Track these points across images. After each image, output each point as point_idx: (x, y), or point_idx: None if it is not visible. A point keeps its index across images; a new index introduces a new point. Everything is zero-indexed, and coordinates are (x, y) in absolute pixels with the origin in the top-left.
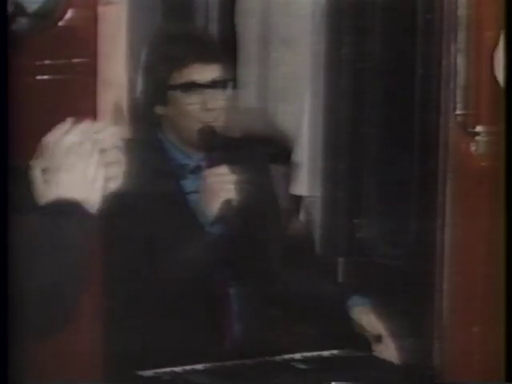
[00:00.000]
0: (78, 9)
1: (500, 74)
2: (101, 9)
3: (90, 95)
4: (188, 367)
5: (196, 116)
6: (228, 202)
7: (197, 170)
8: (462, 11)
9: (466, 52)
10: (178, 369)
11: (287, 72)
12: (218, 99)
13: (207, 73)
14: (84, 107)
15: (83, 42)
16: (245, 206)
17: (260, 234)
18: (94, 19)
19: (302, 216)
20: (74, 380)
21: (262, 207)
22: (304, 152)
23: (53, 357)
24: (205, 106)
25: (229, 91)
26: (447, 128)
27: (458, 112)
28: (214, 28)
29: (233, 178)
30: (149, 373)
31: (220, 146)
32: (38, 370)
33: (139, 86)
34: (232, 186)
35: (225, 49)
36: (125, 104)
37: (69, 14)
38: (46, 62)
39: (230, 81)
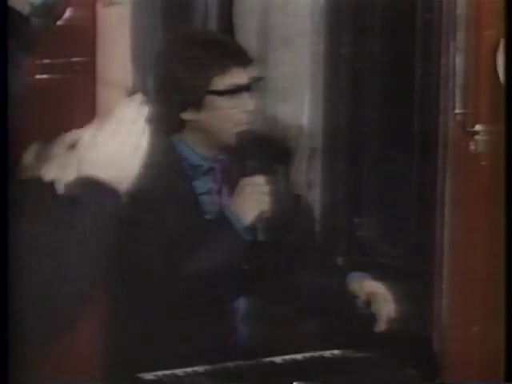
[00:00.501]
0: (77, 8)
1: (501, 73)
2: (102, 9)
3: (89, 94)
4: (189, 369)
5: (235, 119)
6: (262, 214)
7: (210, 171)
8: (461, 11)
9: (465, 51)
10: (179, 371)
11: (286, 72)
12: (253, 102)
13: (246, 75)
14: (83, 106)
15: (82, 40)
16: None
17: (289, 242)
18: (93, 18)
19: (300, 215)
20: (74, 381)
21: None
22: (303, 151)
23: (53, 358)
24: (244, 109)
25: (258, 93)
26: (446, 127)
27: (457, 111)
28: (212, 27)
29: (268, 188)
30: (149, 375)
31: (253, 149)
32: (37, 371)
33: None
34: (267, 198)
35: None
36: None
37: (68, 13)
38: (45, 61)
39: (260, 80)
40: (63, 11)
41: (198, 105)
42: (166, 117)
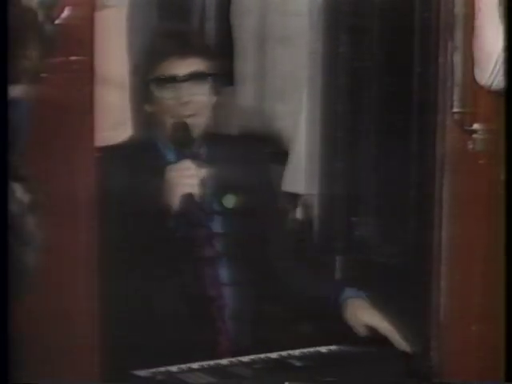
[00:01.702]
0: (75, 7)
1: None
2: (97, 12)
3: (87, 93)
4: (183, 366)
5: (172, 111)
6: (188, 197)
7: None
8: (458, 10)
9: (463, 50)
10: (173, 368)
11: (284, 71)
12: (194, 93)
13: (184, 67)
14: (81, 105)
15: (80, 40)
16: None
17: (255, 232)
18: (91, 17)
19: (299, 214)
20: (71, 379)
21: (256, 205)
22: (302, 150)
23: (52, 356)
24: (179, 101)
25: (209, 86)
26: (444, 126)
27: (455, 110)
28: (211, 27)
29: (195, 172)
30: (144, 372)
31: (194, 144)
32: (37, 371)
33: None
34: (192, 180)
35: (213, 44)
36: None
37: (66, 13)
38: (44, 60)
39: (210, 75)
40: (61, 11)
41: (149, 95)
42: (136, 108)
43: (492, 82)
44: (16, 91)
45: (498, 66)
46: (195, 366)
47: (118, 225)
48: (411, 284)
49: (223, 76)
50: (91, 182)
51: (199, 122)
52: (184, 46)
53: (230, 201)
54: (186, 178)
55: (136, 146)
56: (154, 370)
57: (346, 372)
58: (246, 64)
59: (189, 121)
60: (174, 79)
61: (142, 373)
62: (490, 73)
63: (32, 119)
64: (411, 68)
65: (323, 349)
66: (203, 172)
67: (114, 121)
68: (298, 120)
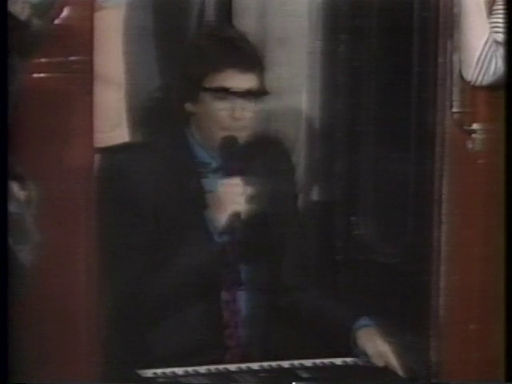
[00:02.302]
0: (74, 7)
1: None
2: (96, 13)
3: (87, 92)
4: (190, 369)
5: (222, 123)
6: (236, 215)
7: (219, 170)
8: (457, 9)
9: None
10: (179, 370)
11: (284, 71)
12: (247, 110)
13: (241, 81)
14: (81, 104)
15: (80, 39)
16: (261, 214)
17: (275, 241)
18: (91, 17)
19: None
20: (71, 379)
21: (280, 217)
22: (301, 150)
23: (52, 356)
24: (232, 115)
25: (260, 103)
26: (444, 126)
27: (454, 110)
28: (210, 28)
29: (244, 189)
30: (148, 373)
31: (240, 155)
32: (37, 370)
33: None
34: (242, 199)
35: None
36: (123, 103)
37: (65, 12)
38: (43, 59)
39: (264, 93)
40: (60, 10)
41: (195, 98)
42: (174, 105)
43: (477, 78)
44: (15, 91)
45: (482, 62)
46: (202, 369)
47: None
48: (410, 283)
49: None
50: (91, 181)
51: (246, 137)
52: (245, 60)
53: None
54: (237, 196)
55: (167, 143)
56: (158, 370)
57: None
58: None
59: (237, 135)
60: (230, 92)
61: (146, 373)
62: (474, 68)
63: (31, 118)
64: (410, 68)
65: (338, 361)
66: (249, 190)
67: (111, 122)
68: (298, 120)
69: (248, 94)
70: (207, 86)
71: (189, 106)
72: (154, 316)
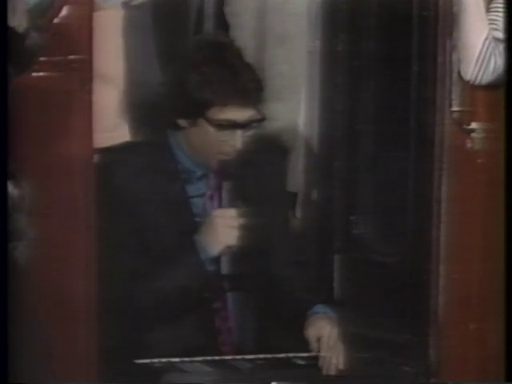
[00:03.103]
0: (73, 6)
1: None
2: (95, 14)
3: (86, 92)
4: (186, 358)
5: (219, 149)
6: (230, 248)
7: (203, 177)
8: (457, 8)
9: None
10: (175, 359)
11: (283, 70)
12: (243, 137)
13: (244, 114)
14: (80, 104)
15: (79, 38)
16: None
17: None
18: (90, 16)
19: (298, 213)
20: (71, 379)
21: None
22: (300, 149)
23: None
24: (232, 144)
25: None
26: (443, 125)
27: (453, 109)
28: (209, 27)
29: (239, 222)
30: (145, 361)
31: (233, 172)
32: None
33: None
34: (236, 232)
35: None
36: (124, 104)
37: (64, 11)
38: (42, 58)
39: (262, 121)
40: (59, 10)
41: (192, 121)
42: (166, 115)
43: (476, 77)
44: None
45: (481, 60)
46: (198, 359)
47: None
48: (410, 283)
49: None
50: (89, 183)
51: (240, 157)
52: (248, 93)
53: None
54: (232, 229)
55: (151, 144)
56: (155, 359)
57: (348, 376)
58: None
59: (233, 157)
60: (232, 125)
61: (144, 362)
62: (473, 67)
63: (31, 118)
64: (410, 67)
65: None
66: (243, 221)
67: (111, 122)
68: (297, 119)
69: (249, 125)
70: (211, 117)
71: (182, 122)
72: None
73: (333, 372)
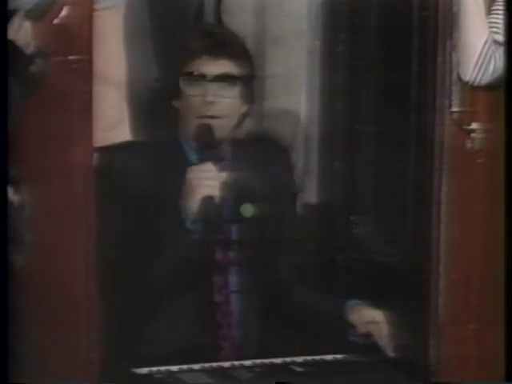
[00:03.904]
0: (74, 6)
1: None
2: (96, 13)
3: (86, 92)
4: (185, 366)
5: (196, 109)
6: (208, 199)
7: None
8: (457, 9)
9: None
10: (173, 368)
11: (283, 70)
12: (220, 95)
13: (214, 67)
14: (80, 104)
15: (79, 39)
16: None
17: (269, 241)
18: (90, 16)
19: (297, 213)
20: (71, 379)
21: (274, 214)
22: (300, 150)
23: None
24: (204, 99)
25: (238, 91)
26: (443, 125)
27: (453, 109)
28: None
29: (216, 174)
30: (144, 370)
31: (218, 146)
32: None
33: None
34: (213, 182)
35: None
36: (124, 103)
37: (64, 12)
38: (41, 59)
39: (238, 79)
40: (59, 10)
41: (177, 93)
42: (163, 104)
43: (475, 79)
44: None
45: (481, 62)
46: (196, 367)
47: (131, 223)
48: (409, 283)
49: (254, 84)
50: (90, 181)
51: (224, 126)
52: (217, 46)
53: (248, 210)
54: (207, 180)
55: (160, 144)
56: (154, 368)
57: (349, 380)
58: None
59: (213, 122)
60: (203, 77)
61: (141, 371)
62: (472, 68)
63: (31, 118)
64: (409, 67)
65: (329, 357)
66: (224, 176)
67: (112, 121)
68: (296, 119)
69: (220, 79)
70: (182, 74)
71: (175, 103)
72: (147, 314)
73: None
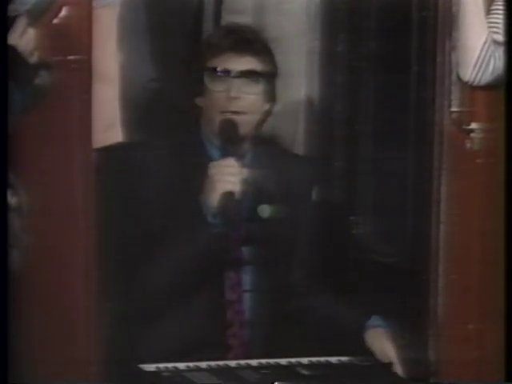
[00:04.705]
0: (73, 6)
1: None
2: (95, 11)
3: (85, 92)
4: (191, 364)
5: (220, 105)
6: (228, 194)
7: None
8: (456, 9)
9: None
10: (180, 365)
11: (282, 70)
12: (244, 91)
13: (239, 63)
14: (79, 104)
15: (78, 39)
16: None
17: (284, 241)
18: (89, 16)
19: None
20: (71, 379)
21: (291, 215)
22: (300, 149)
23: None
24: (228, 94)
25: (262, 88)
26: (442, 125)
27: (452, 109)
28: (207, 27)
29: (238, 170)
30: (151, 367)
31: (240, 143)
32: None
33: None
34: (234, 178)
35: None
36: (117, 103)
37: (63, 12)
38: (42, 60)
39: (263, 75)
40: (59, 10)
41: (200, 90)
42: (186, 103)
43: (475, 79)
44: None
45: (480, 62)
46: (203, 365)
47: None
48: (409, 283)
49: (276, 82)
50: (90, 182)
51: (247, 122)
52: (242, 43)
53: (265, 211)
54: (228, 176)
55: (183, 142)
56: (161, 365)
57: (353, 383)
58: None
59: (237, 118)
60: (227, 73)
61: (148, 367)
62: (472, 68)
63: (30, 118)
64: (409, 67)
65: (334, 359)
66: (245, 172)
67: (106, 122)
68: (296, 119)
69: (244, 76)
70: (206, 69)
71: (198, 100)
72: (154, 312)
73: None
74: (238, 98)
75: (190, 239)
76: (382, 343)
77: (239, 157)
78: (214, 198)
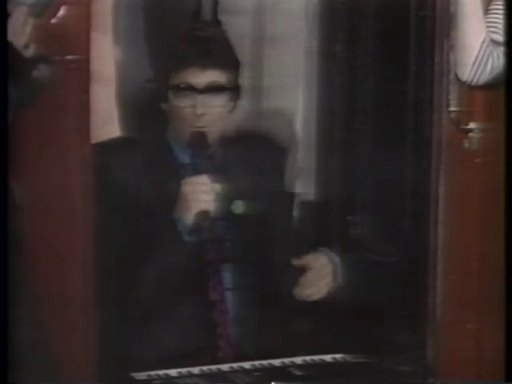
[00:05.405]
0: (71, 6)
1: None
2: (95, 7)
3: (84, 92)
4: (183, 370)
5: (187, 120)
6: (203, 213)
7: (199, 169)
8: (454, 8)
9: None
10: (172, 372)
11: (280, 70)
12: (209, 105)
13: (202, 78)
14: (77, 104)
15: (76, 38)
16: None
17: (262, 237)
18: (87, 16)
19: (295, 213)
20: (71, 379)
21: (266, 211)
22: (298, 149)
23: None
24: (194, 111)
25: (226, 97)
26: (440, 125)
27: (451, 109)
28: (204, 27)
29: (211, 187)
30: (142, 375)
31: (211, 149)
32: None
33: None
34: (209, 197)
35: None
36: (114, 101)
37: (62, 11)
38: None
39: (227, 88)
40: (57, 10)
41: (165, 97)
42: (152, 105)
43: (473, 78)
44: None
45: (478, 62)
46: (195, 370)
47: (121, 222)
48: (407, 283)
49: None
50: (87, 179)
51: (215, 130)
52: (205, 55)
53: (239, 207)
54: (202, 194)
55: (149, 143)
56: (152, 372)
57: (348, 382)
58: (240, 64)
59: (205, 130)
60: (191, 89)
61: (140, 375)
62: (470, 68)
63: (29, 118)
64: (407, 67)
65: (328, 357)
66: (218, 187)
67: (102, 119)
68: (294, 119)
69: (207, 90)
70: (171, 83)
71: (163, 105)
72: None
73: (308, 298)
74: (205, 114)
75: (166, 252)
76: (318, 259)
77: (211, 171)
78: (188, 217)
